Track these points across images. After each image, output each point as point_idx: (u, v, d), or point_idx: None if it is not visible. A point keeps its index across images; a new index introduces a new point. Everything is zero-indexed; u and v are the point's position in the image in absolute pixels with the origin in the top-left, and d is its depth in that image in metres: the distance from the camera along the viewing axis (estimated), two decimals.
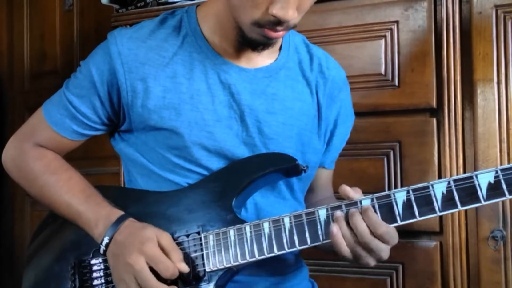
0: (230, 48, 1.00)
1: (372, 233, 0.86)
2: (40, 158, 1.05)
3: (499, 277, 1.33)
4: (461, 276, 1.36)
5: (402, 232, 0.86)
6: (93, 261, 0.98)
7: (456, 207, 0.85)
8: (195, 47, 1.01)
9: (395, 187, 1.43)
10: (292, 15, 0.87)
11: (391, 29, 1.45)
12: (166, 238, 0.90)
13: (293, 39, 1.10)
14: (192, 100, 0.99)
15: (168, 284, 0.87)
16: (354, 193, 0.90)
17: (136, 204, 1.00)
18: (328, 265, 1.42)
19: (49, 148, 1.07)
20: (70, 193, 1.00)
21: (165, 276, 0.87)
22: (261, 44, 0.96)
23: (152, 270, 0.87)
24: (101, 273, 0.97)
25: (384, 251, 0.88)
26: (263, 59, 1.04)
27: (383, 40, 1.46)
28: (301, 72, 1.08)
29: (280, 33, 0.92)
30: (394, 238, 0.88)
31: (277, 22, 0.88)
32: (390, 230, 0.87)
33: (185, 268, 0.89)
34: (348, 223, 0.87)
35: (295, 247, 0.89)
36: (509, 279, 1.33)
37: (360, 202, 0.88)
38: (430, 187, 0.86)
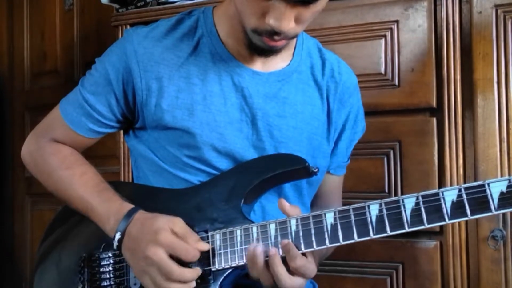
0: (244, 51, 1.00)
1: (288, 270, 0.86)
2: (56, 153, 1.06)
3: (499, 277, 1.33)
4: (461, 276, 1.36)
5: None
6: (102, 255, 0.99)
7: (465, 215, 0.81)
8: (210, 48, 1.01)
9: (395, 187, 1.43)
10: (286, 26, 0.86)
11: (391, 29, 1.45)
12: (178, 224, 0.90)
13: (306, 43, 1.09)
14: (204, 101, 0.99)
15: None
16: (292, 209, 0.90)
17: (147, 200, 1.00)
18: (328, 265, 1.42)
19: (66, 144, 1.07)
20: (83, 187, 1.01)
21: (188, 259, 0.87)
22: (265, 51, 0.96)
23: (172, 257, 0.87)
24: (110, 268, 0.98)
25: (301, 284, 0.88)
26: (277, 62, 1.04)
27: (383, 40, 1.46)
28: (313, 77, 1.08)
29: (279, 42, 0.91)
30: (311, 270, 0.88)
31: (273, 32, 0.88)
32: (305, 263, 0.87)
33: (205, 246, 0.89)
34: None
35: (300, 249, 0.88)
36: (509, 279, 1.33)
37: (368, 206, 0.86)
38: (440, 194, 0.83)
